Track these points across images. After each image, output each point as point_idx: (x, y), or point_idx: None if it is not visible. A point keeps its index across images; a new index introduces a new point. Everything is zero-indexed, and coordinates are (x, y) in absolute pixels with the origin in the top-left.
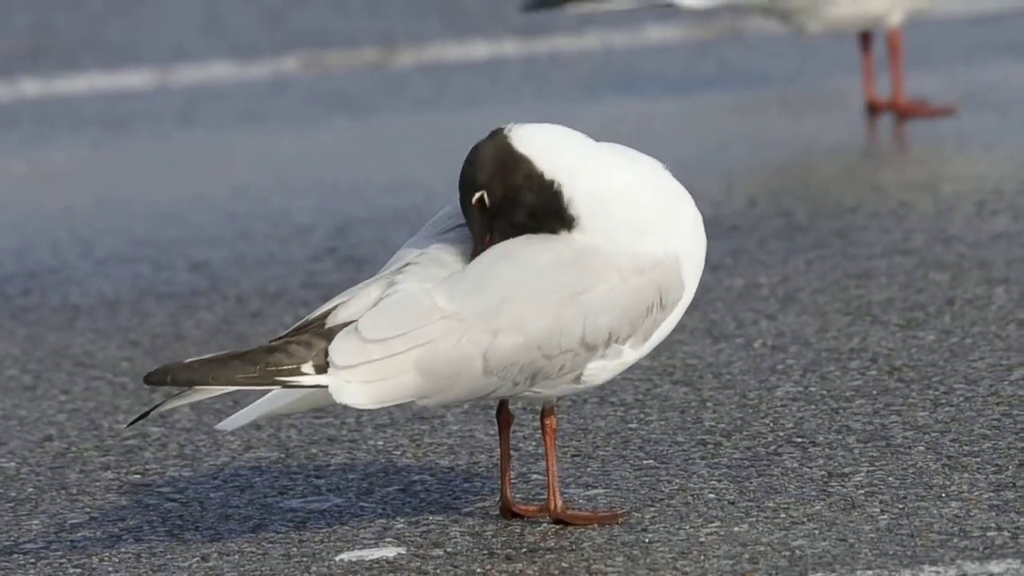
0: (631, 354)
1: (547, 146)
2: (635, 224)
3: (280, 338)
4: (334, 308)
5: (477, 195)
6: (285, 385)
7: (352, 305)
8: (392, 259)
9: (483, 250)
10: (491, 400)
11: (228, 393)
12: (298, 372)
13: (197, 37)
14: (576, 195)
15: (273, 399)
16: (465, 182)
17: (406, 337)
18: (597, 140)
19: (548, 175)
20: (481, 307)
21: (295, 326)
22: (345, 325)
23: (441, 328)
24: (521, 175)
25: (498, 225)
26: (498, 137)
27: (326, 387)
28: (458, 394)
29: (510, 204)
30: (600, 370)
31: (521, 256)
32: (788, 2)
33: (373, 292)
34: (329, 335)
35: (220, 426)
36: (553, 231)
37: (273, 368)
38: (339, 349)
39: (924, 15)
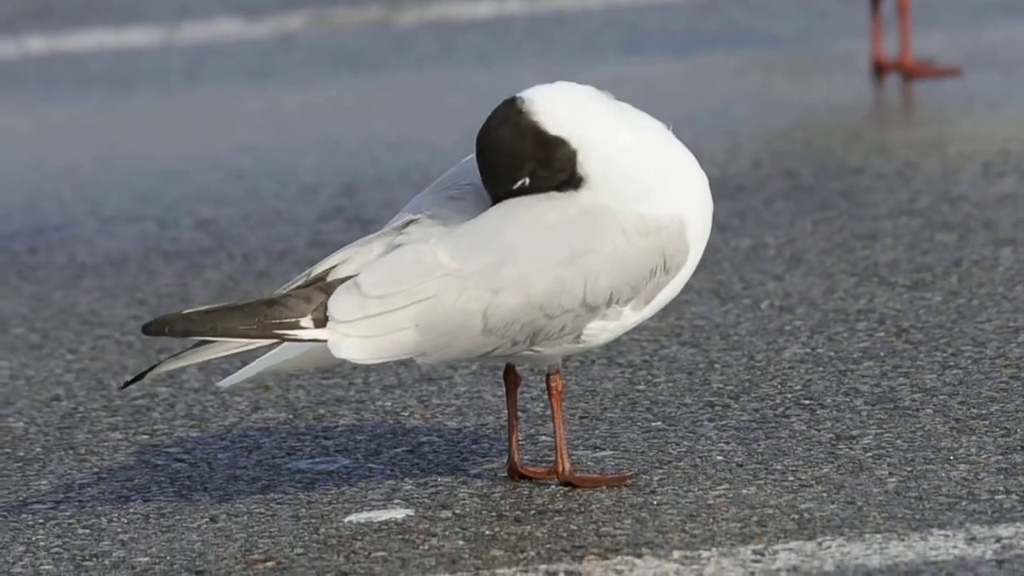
0: (632, 316)
1: (568, 114)
2: (640, 185)
3: (281, 293)
4: (336, 264)
5: (519, 184)
6: (283, 338)
7: (354, 261)
8: (395, 217)
9: None
10: (492, 359)
11: (229, 355)
12: (296, 326)
13: None
14: (588, 156)
15: (273, 356)
16: (502, 175)
17: (406, 293)
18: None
19: (573, 144)
20: (483, 265)
21: (296, 280)
22: (347, 279)
23: (441, 284)
24: (561, 156)
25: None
26: (521, 118)
27: (324, 341)
28: (457, 352)
29: (549, 180)
30: (600, 330)
31: (526, 215)
32: None
33: (375, 248)
34: (329, 289)
35: (220, 384)
36: (564, 188)
37: (272, 321)
38: (338, 303)
39: None
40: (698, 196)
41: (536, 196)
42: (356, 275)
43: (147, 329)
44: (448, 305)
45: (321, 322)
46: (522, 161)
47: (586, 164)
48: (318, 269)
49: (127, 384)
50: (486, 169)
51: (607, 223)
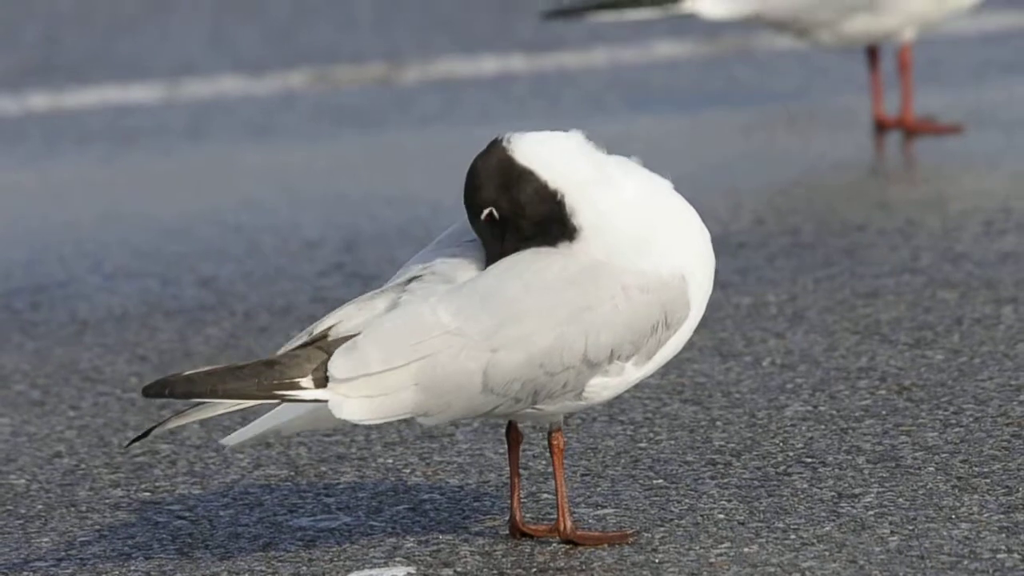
0: (634, 372)
1: (549, 157)
2: (640, 240)
3: (282, 352)
4: (337, 323)
5: (486, 212)
6: (284, 399)
7: (355, 318)
8: (397, 273)
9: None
10: (494, 418)
11: (233, 411)
12: (297, 386)
13: (205, 52)
14: (581, 206)
15: (276, 415)
16: (471, 199)
17: (406, 352)
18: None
19: (552, 186)
20: (482, 323)
21: (298, 338)
22: (347, 339)
23: (441, 343)
24: (527, 189)
25: (509, 237)
26: (498, 150)
27: (325, 402)
28: (458, 411)
29: (518, 218)
30: (602, 388)
31: (525, 271)
32: (808, 17)
33: (379, 305)
34: (329, 349)
35: (224, 441)
36: (558, 241)
37: (272, 381)
38: (338, 363)
39: (932, 32)
40: (699, 250)
41: (537, 251)
42: (357, 334)
43: (148, 391)
44: (448, 364)
45: (322, 382)
46: (488, 188)
47: (579, 215)
48: (320, 327)
49: (132, 442)
50: (463, 197)
51: (606, 279)
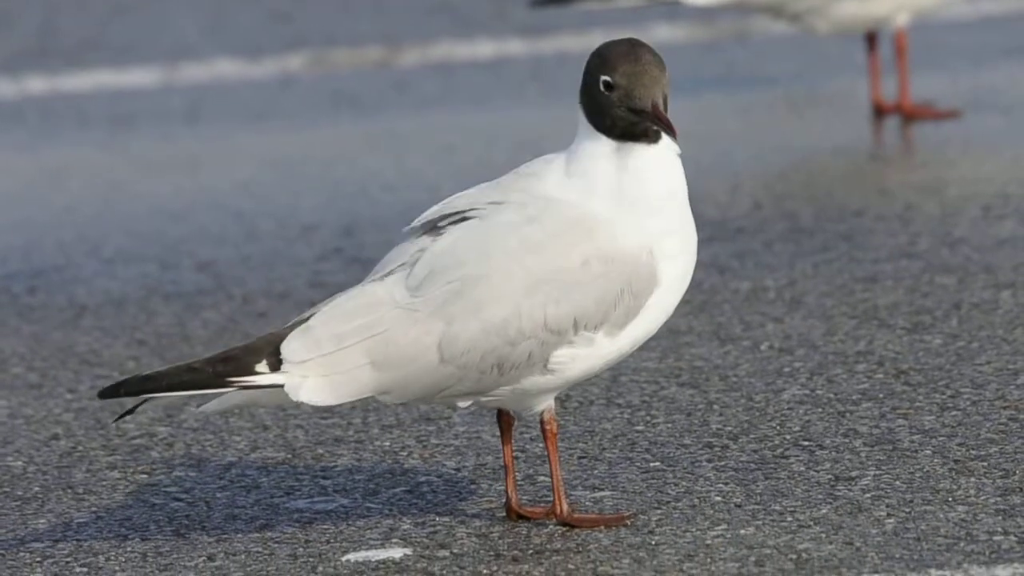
0: (607, 344)
1: None
2: (615, 202)
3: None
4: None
5: (664, 95)
6: (239, 386)
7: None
8: (381, 262)
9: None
10: (464, 396)
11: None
12: (252, 371)
13: (203, 36)
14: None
15: (236, 394)
16: (657, 72)
17: (357, 328)
18: None
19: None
20: (436, 294)
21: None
22: (301, 322)
23: (392, 317)
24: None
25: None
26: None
27: (281, 386)
28: (420, 387)
29: (661, 105)
30: (571, 359)
31: (486, 239)
32: (795, 3)
33: None
34: (284, 333)
35: (200, 409)
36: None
37: (228, 368)
38: (292, 345)
39: (930, 16)
40: (674, 226)
41: (501, 209)
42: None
43: (103, 394)
44: (400, 338)
45: (276, 366)
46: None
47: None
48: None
49: (121, 417)
50: (645, 64)
51: (568, 248)
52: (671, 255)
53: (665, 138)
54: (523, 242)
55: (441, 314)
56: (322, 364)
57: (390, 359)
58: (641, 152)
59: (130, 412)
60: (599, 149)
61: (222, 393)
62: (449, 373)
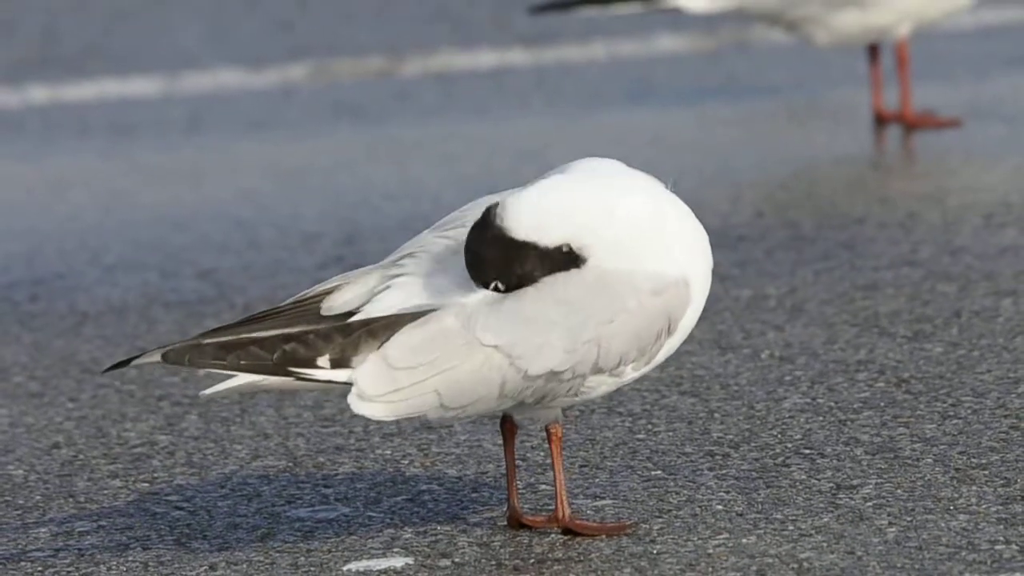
0: (632, 373)
1: (545, 221)
2: (645, 251)
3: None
4: (330, 290)
5: (492, 286)
6: (300, 377)
7: (348, 291)
8: (393, 253)
9: None
10: (496, 415)
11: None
12: (314, 365)
13: (204, 45)
14: (590, 244)
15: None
16: (476, 275)
17: (431, 364)
18: (602, 155)
19: (555, 245)
20: (505, 336)
21: (289, 304)
22: (345, 315)
23: (464, 352)
24: (531, 260)
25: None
26: (492, 226)
27: (345, 384)
28: (472, 413)
29: (526, 280)
30: (598, 384)
31: (550, 287)
32: (795, 12)
33: (371, 281)
34: (347, 332)
35: (202, 393)
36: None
37: (290, 359)
38: (365, 376)
39: (932, 27)
40: (699, 252)
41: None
42: (383, 344)
43: (167, 357)
44: (470, 375)
45: (338, 363)
46: (491, 268)
47: (589, 250)
48: (312, 292)
49: (108, 369)
50: (467, 266)
51: (621, 286)
52: (699, 281)
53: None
54: (579, 285)
55: (509, 355)
56: (394, 395)
57: (456, 393)
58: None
59: (123, 364)
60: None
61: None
62: (502, 404)
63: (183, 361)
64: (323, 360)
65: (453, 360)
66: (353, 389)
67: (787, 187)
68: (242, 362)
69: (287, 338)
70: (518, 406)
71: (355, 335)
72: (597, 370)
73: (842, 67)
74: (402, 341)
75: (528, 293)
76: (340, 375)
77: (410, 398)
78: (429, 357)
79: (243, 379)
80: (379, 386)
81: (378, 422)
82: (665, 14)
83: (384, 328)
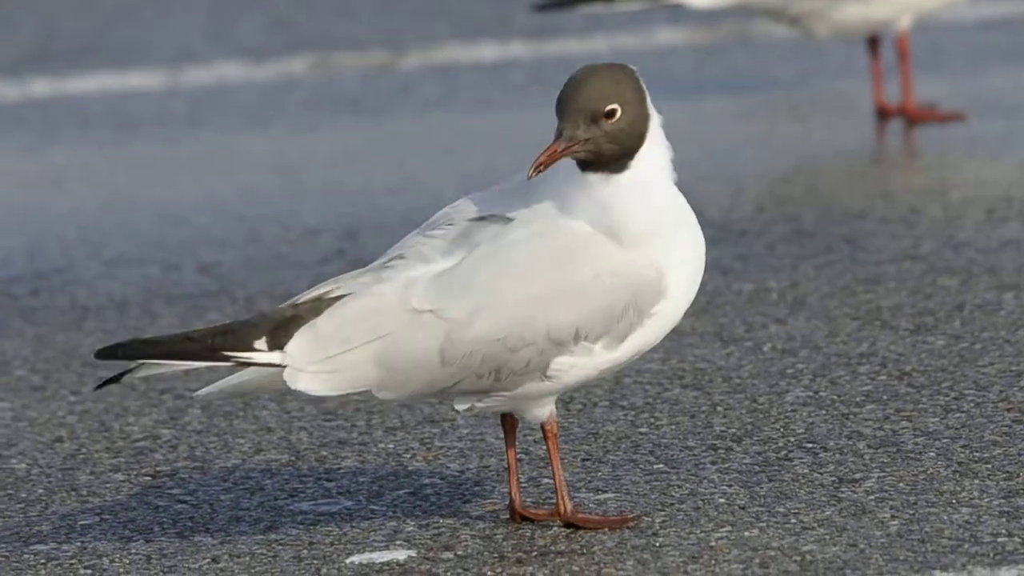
0: (604, 355)
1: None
2: (630, 221)
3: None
4: (320, 296)
5: (612, 106)
6: (234, 361)
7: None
8: (384, 255)
9: (550, 157)
10: (461, 396)
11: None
12: (251, 349)
13: (205, 38)
14: (647, 157)
15: (242, 374)
16: (599, 90)
17: (364, 332)
18: None
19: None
20: (445, 301)
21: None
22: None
23: (399, 321)
24: (645, 109)
25: (587, 139)
26: (628, 70)
27: (279, 366)
28: (418, 386)
29: (625, 130)
30: (569, 366)
31: (501, 253)
32: (796, 5)
33: (364, 281)
34: (283, 313)
35: (196, 393)
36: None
37: (225, 344)
38: (296, 346)
39: (932, 19)
40: (685, 244)
41: (519, 232)
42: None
43: (100, 354)
44: (406, 342)
45: (276, 346)
46: (625, 90)
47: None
48: (303, 298)
49: (100, 387)
50: (580, 91)
51: (578, 260)
52: (682, 271)
53: (635, 165)
54: (533, 255)
55: (446, 319)
56: (325, 364)
57: (393, 360)
58: (603, 185)
59: (115, 380)
60: (575, 180)
61: (217, 367)
62: (448, 375)
63: (116, 354)
64: (260, 343)
65: (386, 327)
66: (287, 363)
67: (788, 181)
68: (174, 348)
69: (224, 330)
70: (477, 381)
71: (292, 315)
72: (554, 343)
73: (843, 61)
74: (337, 313)
75: (472, 261)
76: (277, 357)
77: (344, 368)
78: (362, 326)
79: (226, 382)
80: (309, 354)
81: (319, 398)
82: (667, 9)
83: (325, 306)
